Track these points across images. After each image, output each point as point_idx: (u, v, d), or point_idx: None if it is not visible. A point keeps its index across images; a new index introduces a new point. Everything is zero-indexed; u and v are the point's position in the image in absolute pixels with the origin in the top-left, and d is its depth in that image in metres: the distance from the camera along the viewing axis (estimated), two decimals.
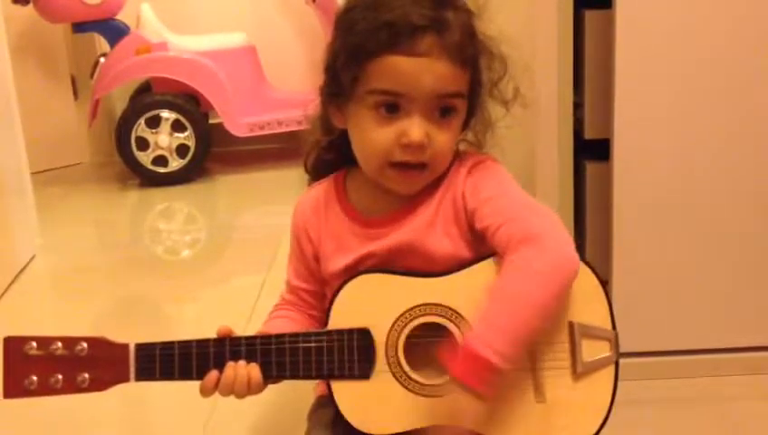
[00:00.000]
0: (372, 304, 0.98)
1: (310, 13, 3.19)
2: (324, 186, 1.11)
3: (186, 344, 0.98)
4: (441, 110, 0.98)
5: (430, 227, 1.02)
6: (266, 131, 3.17)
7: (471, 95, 1.03)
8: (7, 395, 0.94)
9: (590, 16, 1.51)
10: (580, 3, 1.51)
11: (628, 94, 1.45)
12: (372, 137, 0.99)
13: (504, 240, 0.96)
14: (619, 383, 0.99)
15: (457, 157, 1.05)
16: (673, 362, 1.56)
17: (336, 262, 1.06)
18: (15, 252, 2.33)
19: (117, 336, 1.98)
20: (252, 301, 1.95)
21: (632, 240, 1.51)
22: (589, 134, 1.56)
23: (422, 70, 0.95)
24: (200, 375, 0.97)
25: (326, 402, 1.08)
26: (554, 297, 0.95)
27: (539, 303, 0.93)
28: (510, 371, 0.92)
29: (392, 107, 0.97)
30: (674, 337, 1.55)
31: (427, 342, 0.97)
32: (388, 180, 1.02)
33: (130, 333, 1.94)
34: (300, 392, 1.10)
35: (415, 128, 0.97)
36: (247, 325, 1.75)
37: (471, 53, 1.00)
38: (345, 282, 0.99)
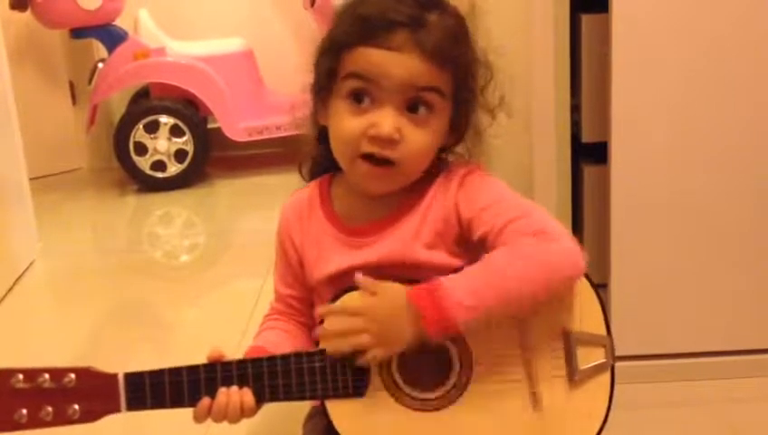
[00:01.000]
0: None
1: (307, 17, 3.19)
2: (308, 191, 1.10)
3: (176, 371, 0.96)
4: (413, 104, 0.97)
5: (416, 238, 1.01)
6: (264, 136, 3.17)
7: (458, 101, 1.01)
8: None
9: (587, 20, 1.51)
10: (577, 6, 1.52)
11: (626, 97, 1.45)
12: (343, 126, 0.98)
13: (508, 239, 0.95)
14: (618, 387, 0.99)
15: (445, 167, 1.04)
16: (671, 366, 1.56)
17: (320, 269, 1.05)
18: (15, 257, 2.33)
19: (116, 341, 2.00)
20: (250, 305, 1.95)
21: (630, 243, 1.51)
22: (586, 137, 1.57)
23: (393, 63, 0.95)
24: (192, 402, 0.96)
25: (321, 411, 1.08)
26: (543, 288, 0.94)
27: (519, 282, 0.92)
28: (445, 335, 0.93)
29: (362, 95, 0.97)
30: (672, 340, 1.55)
31: (419, 356, 0.96)
32: (359, 176, 1.00)
33: (130, 338, 1.96)
34: None
35: (385, 119, 0.96)
36: (246, 330, 1.76)
37: (453, 55, 0.98)
38: (334, 299, 0.98)
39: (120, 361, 1.56)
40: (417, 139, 0.97)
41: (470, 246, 1.01)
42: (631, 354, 1.49)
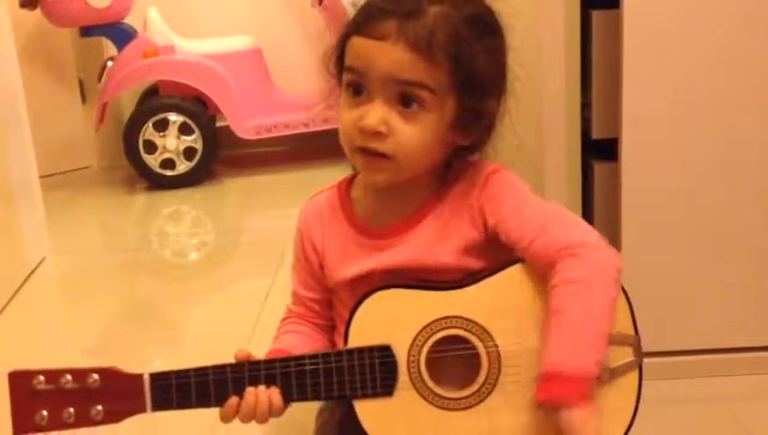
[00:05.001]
0: (392, 320, 0.96)
1: (316, 15, 3.19)
2: (328, 193, 1.10)
3: (202, 371, 0.95)
4: (402, 99, 0.95)
5: (440, 241, 1.00)
6: (273, 134, 3.17)
7: (463, 99, 0.97)
8: (18, 432, 0.91)
9: (598, 16, 1.50)
10: (587, 3, 1.51)
11: (636, 94, 1.44)
12: (342, 119, 0.98)
13: (540, 252, 0.95)
14: None
15: (470, 166, 1.03)
16: (681, 362, 1.55)
17: (341, 272, 1.05)
18: (24, 255, 2.34)
19: (125, 339, 2.00)
20: (259, 304, 1.95)
21: (640, 240, 1.50)
22: (596, 134, 1.56)
23: (377, 53, 0.94)
24: (219, 402, 0.95)
25: (335, 403, 1.08)
26: (612, 300, 0.95)
27: (602, 309, 0.93)
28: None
29: (357, 90, 0.97)
30: (682, 337, 1.55)
31: (449, 355, 0.96)
32: (359, 168, 1.01)
33: (138, 336, 1.97)
34: None
35: (372, 112, 0.95)
36: (255, 328, 1.76)
37: (449, 49, 0.94)
38: (362, 299, 0.97)
39: (129, 358, 1.56)
40: (407, 133, 0.95)
41: (495, 246, 1.00)
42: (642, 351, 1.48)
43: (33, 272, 2.34)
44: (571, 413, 0.88)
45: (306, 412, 1.13)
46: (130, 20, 3.14)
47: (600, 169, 1.57)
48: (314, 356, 0.96)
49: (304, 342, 1.08)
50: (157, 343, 1.96)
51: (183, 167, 3.10)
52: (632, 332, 1.00)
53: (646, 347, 1.51)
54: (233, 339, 1.70)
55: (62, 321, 2.19)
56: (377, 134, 0.95)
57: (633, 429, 0.99)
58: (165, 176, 3.10)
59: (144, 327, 2.06)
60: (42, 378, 0.91)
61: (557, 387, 0.90)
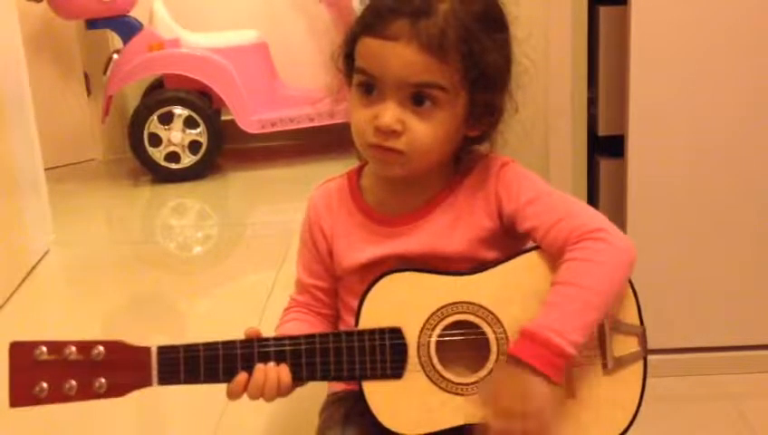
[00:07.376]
0: (403, 303, 0.97)
1: (322, 10, 3.19)
2: (337, 182, 1.10)
3: (212, 346, 0.95)
4: (415, 98, 0.95)
5: (451, 229, 1.01)
6: (278, 128, 3.17)
7: (473, 94, 0.97)
8: (14, 404, 0.89)
9: (605, 12, 1.50)
10: None
11: (643, 91, 1.44)
12: (355, 117, 0.99)
13: (561, 237, 0.96)
14: None
15: (480, 159, 1.04)
16: (685, 360, 1.55)
17: (350, 259, 1.05)
18: (29, 247, 2.34)
19: (129, 331, 2.00)
20: (264, 297, 1.95)
21: (646, 237, 1.50)
22: (603, 131, 1.56)
23: (389, 54, 0.94)
24: (227, 378, 0.95)
25: (338, 399, 1.08)
26: (619, 286, 0.96)
27: (606, 292, 0.94)
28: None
29: (369, 88, 0.97)
30: (687, 334, 1.55)
31: (459, 340, 0.97)
32: (372, 162, 1.02)
33: (143, 328, 1.97)
34: (312, 388, 1.10)
35: (385, 112, 0.95)
36: (260, 322, 1.76)
37: (461, 47, 0.94)
38: (374, 281, 0.97)
39: None
40: (422, 131, 0.96)
41: (506, 237, 1.01)
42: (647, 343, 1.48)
43: (37, 264, 2.34)
44: (535, 380, 0.89)
45: (308, 412, 1.13)
46: (136, 13, 3.14)
47: (606, 165, 1.57)
48: (325, 335, 0.96)
49: (308, 329, 1.07)
50: (160, 335, 1.95)
51: (188, 160, 3.11)
52: (638, 322, 1.00)
53: (651, 344, 1.51)
54: (237, 332, 1.70)
55: (66, 313, 2.19)
56: (392, 132, 0.96)
57: (637, 426, 0.99)
58: (169, 169, 3.10)
59: (148, 320, 2.06)
60: (44, 348, 0.89)
61: (536, 348, 0.90)
